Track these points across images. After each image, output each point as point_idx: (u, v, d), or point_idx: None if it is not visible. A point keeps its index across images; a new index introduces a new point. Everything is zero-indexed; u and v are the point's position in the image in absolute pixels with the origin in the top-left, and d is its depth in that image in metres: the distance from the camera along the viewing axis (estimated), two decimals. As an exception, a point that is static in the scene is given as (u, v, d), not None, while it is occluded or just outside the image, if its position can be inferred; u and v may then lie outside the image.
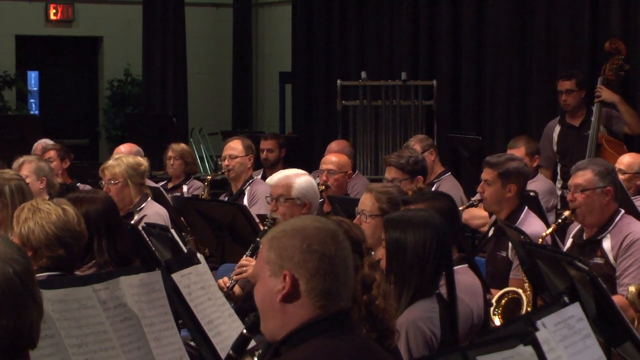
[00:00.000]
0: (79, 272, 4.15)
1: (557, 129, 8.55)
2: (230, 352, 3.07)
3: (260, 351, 3.72)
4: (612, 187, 5.33)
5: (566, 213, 5.47)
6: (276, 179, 5.63)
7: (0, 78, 14.59)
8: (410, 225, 3.93)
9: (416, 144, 7.67)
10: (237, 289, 5.52)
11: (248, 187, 7.52)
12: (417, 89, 10.53)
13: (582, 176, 5.36)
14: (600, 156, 7.62)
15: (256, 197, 7.31)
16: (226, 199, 7.61)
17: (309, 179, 5.65)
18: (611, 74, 8.39)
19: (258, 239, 5.47)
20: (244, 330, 3.04)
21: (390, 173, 6.41)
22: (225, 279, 5.48)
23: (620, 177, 6.50)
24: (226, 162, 7.60)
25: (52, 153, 8.11)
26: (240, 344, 3.06)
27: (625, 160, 6.89)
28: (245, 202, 7.35)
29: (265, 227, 5.58)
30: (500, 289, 5.32)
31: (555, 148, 8.53)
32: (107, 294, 3.10)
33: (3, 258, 2.11)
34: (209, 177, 8.21)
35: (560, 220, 5.54)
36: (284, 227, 2.68)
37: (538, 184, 7.25)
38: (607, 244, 5.30)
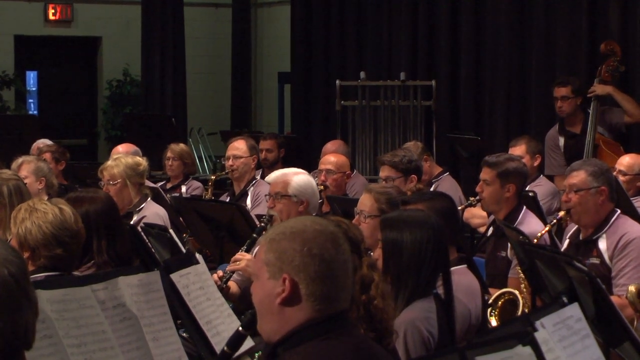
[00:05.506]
0: (78, 273, 4.14)
1: (562, 139, 8.51)
2: (225, 348, 3.06)
3: (260, 353, 3.72)
4: (606, 187, 5.32)
5: (561, 214, 5.48)
6: (274, 176, 5.67)
7: (-1, 78, 14.61)
8: (407, 225, 3.92)
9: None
10: (235, 288, 5.51)
11: (251, 188, 7.51)
12: (416, 89, 10.52)
13: (576, 177, 5.36)
14: (597, 157, 7.60)
15: (259, 199, 7.29)
16: (228, 199, 7.61)
17: (308, 178, 5.65)
18: (607, 75, 8.38)
19: (254, 235, 5.47)
20: (240, 328, 3.03)
21: (384, 171, 6.42)
22: (220, 272, 5.47)
23: (621, 178, 6.49)
24: (230, 162, 7.60)
25: (47, 156, 8.03)
26: (235, 341, 3.05)
27: (625, 161, 6.86)
28: (248, 203, 7.34)
29: (262, 224, 5.59)
30: (501, 289, 5.32)
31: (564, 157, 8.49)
32: (106, 294, 3.09)
33: (-2, 259, 2.10)
34: (213, 177, 8.21)
35: (555, 221, 5.55)
36: (283, 229, 2.65)
37: (541, 188, 7.23)
38: (602, 244, 5.29)
